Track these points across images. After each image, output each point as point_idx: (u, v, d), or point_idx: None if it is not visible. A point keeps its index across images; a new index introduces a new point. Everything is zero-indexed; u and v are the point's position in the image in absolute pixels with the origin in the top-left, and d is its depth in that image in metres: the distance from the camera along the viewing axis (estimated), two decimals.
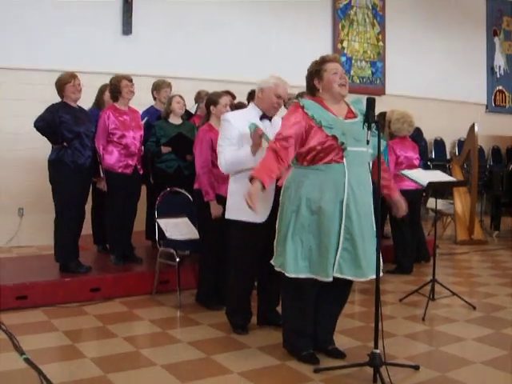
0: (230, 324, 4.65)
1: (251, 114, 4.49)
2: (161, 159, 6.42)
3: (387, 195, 4.19)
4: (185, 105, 6.55)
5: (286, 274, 3.82)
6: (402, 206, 4.20)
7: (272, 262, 4.01)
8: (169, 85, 7.10)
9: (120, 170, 5.98)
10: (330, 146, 3.75)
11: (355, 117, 3.98)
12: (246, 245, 4.40)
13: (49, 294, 5.29)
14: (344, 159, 3.76)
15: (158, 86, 7.08)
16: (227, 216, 4.53)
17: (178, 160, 6.39)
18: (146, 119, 6.67)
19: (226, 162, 4.35)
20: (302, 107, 3.86)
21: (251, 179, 3.70)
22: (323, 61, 3.96)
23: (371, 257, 3.76)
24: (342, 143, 3.73)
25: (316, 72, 3.94)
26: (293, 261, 3.79)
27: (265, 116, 4.48)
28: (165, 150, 6.33)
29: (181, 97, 6.50)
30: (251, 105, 4.65)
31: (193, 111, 7.09)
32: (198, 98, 7.36)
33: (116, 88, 5.98)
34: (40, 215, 7.61)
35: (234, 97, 6.01)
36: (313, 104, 3.90)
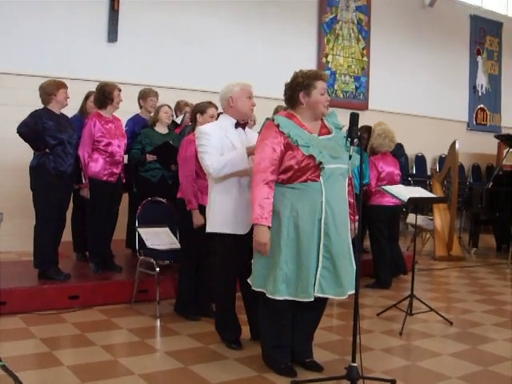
0: (221, 339, 4.59)
1: (225, 123, 4.44)
2: (145, 168, 6.45)
3: None
4: (172, 115, 6.59)
5: (267, 295, 3.80)
6: None
7: (249, 281, 3.99)
8: (156, 94, 7.11)
9: (105, 178, 5.95)
10: (307, 165, 3.72)
11: (329, 132, 3.95)
12: (230, 258, 4.33)
13: (27, 300, 5.26)
14: (321, 177, 3.74)
15: (145, 95, 7.09)
16: (209, 230, 4.43)
17: (162, 169, 6.43)
18: (127, 128, 6.69)
19: (219, 165, 4.19)
20: (277, 126, 3.80)
21: (254, 224, 3.76)
22: (317, 77, 3.87)
23: (349, 273, 3.79)
24: (320, 162, 3.70)
25: (306, 86, 3.84)
26: (272, 283, 3.76)
27: (239, 124, 4.45)
28: (150, 157, 6.35)
29: (169, 107, 6.56)
30: (223, 116, 4.56)
31: (178, 121, 7.09)
32: (177, 108, 7.37)
33: (109, 95, 5.94)
34: (19, 221, 7.55)
35: (216, 108, 6.05)
36: (287, 122, 3.84)
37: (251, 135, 4.42)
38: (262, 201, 3.73)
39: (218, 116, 5.00)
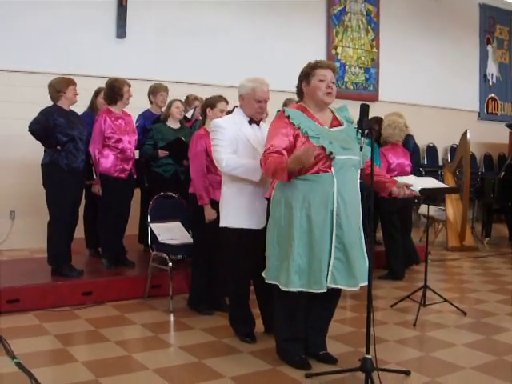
0: (235, 333, 4.59)
1: (239, 118, 4.44)
2: (158, 163, 6.47)
3: (386, 191, 4.17)
4: (184, 110, 6.59)
5: (280, 287, 3.80)
6: (402, 191, 4.22)
7: (263, 274, 3.98)
8: (165, 89, 7.10)
9: (116, 175, 5.96)
10: (318, 156, 3.69)
11: (340, 124, 3.95)
12: (244, 252, 4.31)
13: (40, 297, 5.28)
14: (332, 168, 3.73)
15: (155, 90, 7.08)
16: (223, 224, 4.41)
17: (175, 165, 6.44)
18: (138, 123, 6.70)
19: (234, 164, 4.22)
20: (288, 117, 3.81)
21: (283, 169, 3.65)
22: (315, 65, 3.90)
23: (362, 264, 3.79)
24: (331, 153, 3.69)
25: (306, 75, 3.91)
26: (285, 274, 3.75)
27: (252, 121, 4.45)
28: (162, 153, 6.36)
29: (181, 102, 6.57)
30: (237, 110, 4.57)
31: (189, 116, 7.07)
32: (187, 102, 7.36)
33: (119, 91, 5.94)
34: (31, 218, 7.60)
35: (227, 102, 6.04)
36: (298, 113, 3.85)
37: (265, 129, 4.39)
38: (279, 165, 3.67)
39: (233, 109, 4.99)
